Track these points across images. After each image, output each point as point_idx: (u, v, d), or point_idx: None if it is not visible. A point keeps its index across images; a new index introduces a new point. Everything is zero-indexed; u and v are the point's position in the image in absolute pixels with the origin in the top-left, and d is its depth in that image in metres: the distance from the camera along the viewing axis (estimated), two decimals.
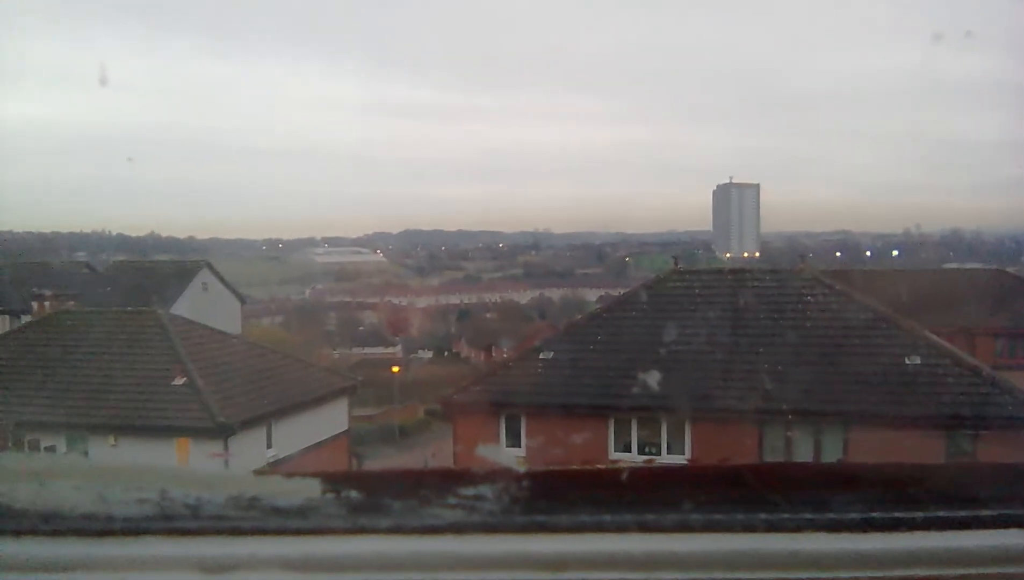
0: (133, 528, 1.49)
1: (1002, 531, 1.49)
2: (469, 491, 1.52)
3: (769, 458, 22.75)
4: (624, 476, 1.71)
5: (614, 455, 23.78)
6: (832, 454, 22.89)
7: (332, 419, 34.25)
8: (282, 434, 30.03)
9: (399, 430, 53.89)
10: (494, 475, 1.57)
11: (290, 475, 1.58)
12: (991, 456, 21.36)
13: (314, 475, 1.56)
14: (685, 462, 23.15)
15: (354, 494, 1.53)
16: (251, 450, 27.84)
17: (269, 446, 29.37)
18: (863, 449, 21.95)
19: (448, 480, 1.59)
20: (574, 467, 1.81)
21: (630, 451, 24.27)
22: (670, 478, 1.95)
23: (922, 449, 21.60)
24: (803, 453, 23.20)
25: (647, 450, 24.26)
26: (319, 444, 31.92)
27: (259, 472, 1.77)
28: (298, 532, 1.48)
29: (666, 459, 23.29)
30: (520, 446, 25.00)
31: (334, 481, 1.56)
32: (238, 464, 25.96)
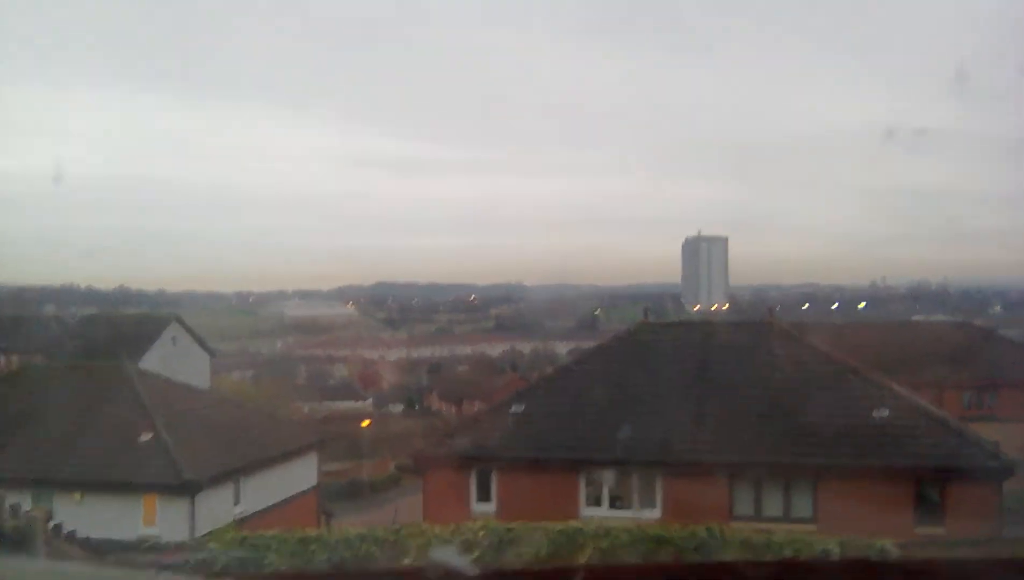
0: None
1: None
2: None
3: (740, 512, 22.75)
4: (580, 576, 1.73)
5: (585, 511, 23.65)
6: (802, 508, 22.91)
7: (301, 474, 33.95)
8: (250, 490, 29.72)
9: (369, 485, 53.45)
10: (445, 576, 1.57)
11: None
12: (960, 508, 21.47)
13: None
14: (657, 516, 23.08)
15: None
16: (219, 507, 27.52)
17: (237, 502, 29.04)
18: (833, 502, 22.00)
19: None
20: (528, 568, 1.84)
21: (600, 506, 24.16)
22: (624, 578, 1.97)
23: (891, 501, 21.68)
24: (773, 507, 23.20)
25: (618, 505, 24.17)
26: (288, 500, 31.59)
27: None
28: None
29: (638, 514, 23.20)
30: (491, 501, 24.85)
31: None
32: (205, 522, 25.65)
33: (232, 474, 29.15)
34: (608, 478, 24.55)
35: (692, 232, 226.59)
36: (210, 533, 19.24)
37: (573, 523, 16.75)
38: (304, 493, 33.67)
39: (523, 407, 26.82)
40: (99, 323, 62.25)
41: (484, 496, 25.12)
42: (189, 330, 59.09)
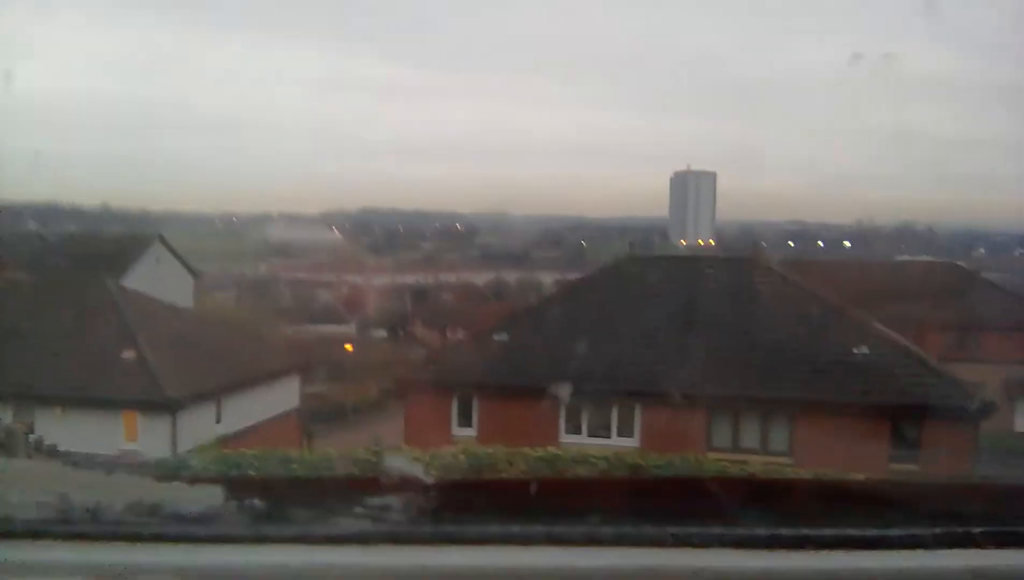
0: (31, 531, 1.45)
1: (909, 552, 1.48)
2: (376, 501, 1.49)
3: (717, 443, 22.97)
4: (534, 487, 1.69)
5: (565, 438, 23.82)
6: (779, 441, 23.14)
7: (283, 396, 34.06)
8: (232, 409, 29.81)
9: (351, 408, 53.61)
10: (402, 484, 1.54)
11: (193, 481, 1.55)
12: (936, 446, 21.69)
13: (217, 481, 1.53)
14: (634, 444, 23.26)
15: (258, 502, 1.50)
16: (200, 425, 27.62)
17: (218, 421, 29.14)
18: (809, 436, 22.21)
19: (355, 489, 1.56)
20: (484, 477, 1.79)
21: (580, 434, 24.35)
22: (582, 489, 1.94)
23: (867, 437, 21.89)
24: (750, 439, 23.42)
25: (597, 433, 24.35)
26: (270, 420, 31.67)
27: (161, 476, 1.74)
28: (198, 540, 1.44)
29: (616, 442, 23.39)
30: (471, 426, 25.02)
31: (238, 488, 1.53)
32: (186, 439, 25.77)
33: (214, 393, 29.23)
34: (588, 407, 24.70)
35: (681, 166, 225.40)
36: (192, 449, 19.34)
37: (552, 449, 16.87)
38: (286, 414, 33.77)
39: (507, 335, 26.87)
40: (82, 241, 61.82)
41: (465, 422, 25.28)
42: (172, 250, 58.66)
